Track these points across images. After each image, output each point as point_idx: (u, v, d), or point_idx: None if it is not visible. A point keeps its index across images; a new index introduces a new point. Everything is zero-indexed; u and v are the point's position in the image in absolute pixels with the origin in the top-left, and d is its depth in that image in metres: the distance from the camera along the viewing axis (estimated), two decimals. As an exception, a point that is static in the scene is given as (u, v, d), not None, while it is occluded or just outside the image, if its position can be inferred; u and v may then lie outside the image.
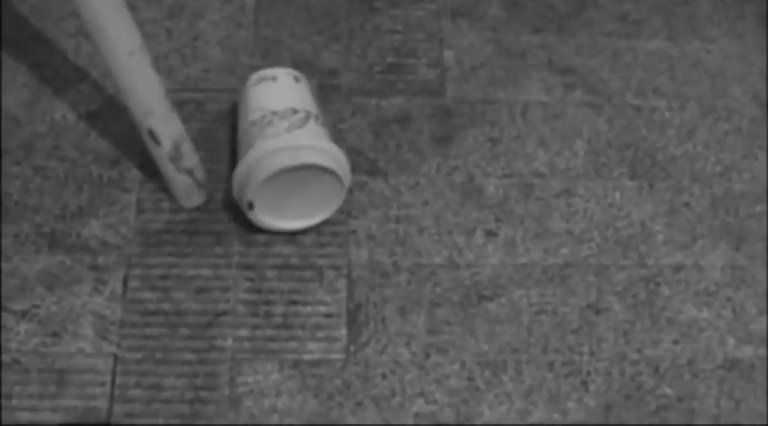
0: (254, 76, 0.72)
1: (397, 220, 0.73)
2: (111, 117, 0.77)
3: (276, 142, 0.66)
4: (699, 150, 0.80)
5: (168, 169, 0.69)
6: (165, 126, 0.66)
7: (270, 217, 0.70)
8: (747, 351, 0.71)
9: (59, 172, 0.74)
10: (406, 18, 0.84)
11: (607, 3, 0.87)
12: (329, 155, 0.67)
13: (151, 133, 0.66)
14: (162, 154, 0.68)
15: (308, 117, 0.69)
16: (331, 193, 0.69)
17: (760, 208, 0.77)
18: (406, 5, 0.85)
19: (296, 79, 0.72)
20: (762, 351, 0.71)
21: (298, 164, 0.65)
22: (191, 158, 0.69)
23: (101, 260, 0.70)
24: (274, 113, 0.68)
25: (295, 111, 0.69)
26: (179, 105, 0.76)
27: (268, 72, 0.72)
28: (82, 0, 0.58)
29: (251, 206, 0.68)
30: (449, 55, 0.82)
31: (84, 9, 0.59)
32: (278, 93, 0.70)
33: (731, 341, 0.71)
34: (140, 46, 0.62)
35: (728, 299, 0.73)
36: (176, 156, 0.68)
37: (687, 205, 0.77)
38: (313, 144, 0.66)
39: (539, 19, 0.85)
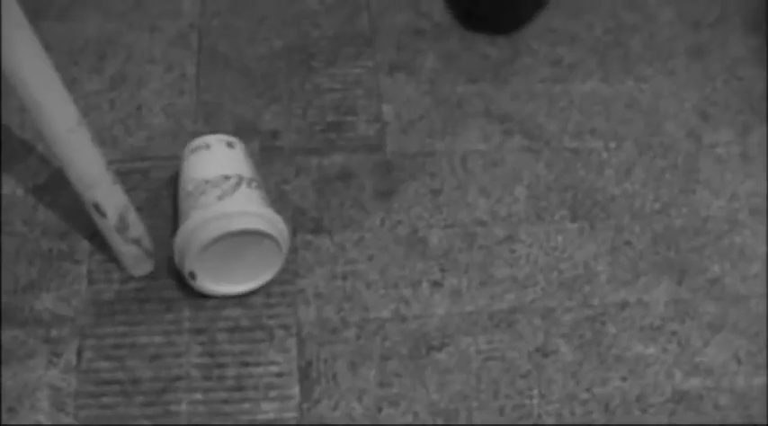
0: (189, 147, 0.76)
1: (344, 277, 0.77)
2: (58, 190, 0.80)
3: (208, 212, 0.69)
4: (637, 188, 0.84)
5: (115, 240, 0.72)
6: (109, 198, 0.70)
7: (213, 284, 0.73)
8: (695, 383, 0.75)
9: (9, 247, 0.77)
10: (344, 76, 0.88)
11: (541, 48, 0.92)
12: (262, 218, 0.70)
13: (96, 206, 0.69)
14: (108, 225, 0.71)
15: (239, 182, 0.72)
16: (271, 255, 0.73)
17: (700, 241, 0.81)
18: (344, 63, 0.89)
19: (229, 145, 0.76)
20: (709, 382, 0.75)
21: (228, 231, 0.69)
22: (137, 228, 0.73)
23: (54, 332, 0.73)
24: (207, 182, 0.72)
25: (227, 178, 0.72)
26: (124, 175, 0.80)
27: (201, 141, 0.76)
28: (19, 78, 0.62)
29: (192, 275, 0.71)
30: (387, 109, 0.86)
31: (22, 87, 0.62)
32: (210, 162, 0.74)
33: (678, 375, 0.75)
34: (78, 122, 0.65)
35: (674, 333, 0.77)
36: (122, 227, 0.71)
37: (628, 243, 0.81)
38: (245, 209, 0.70)
39: (474, 68, 0.90)
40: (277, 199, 0.80)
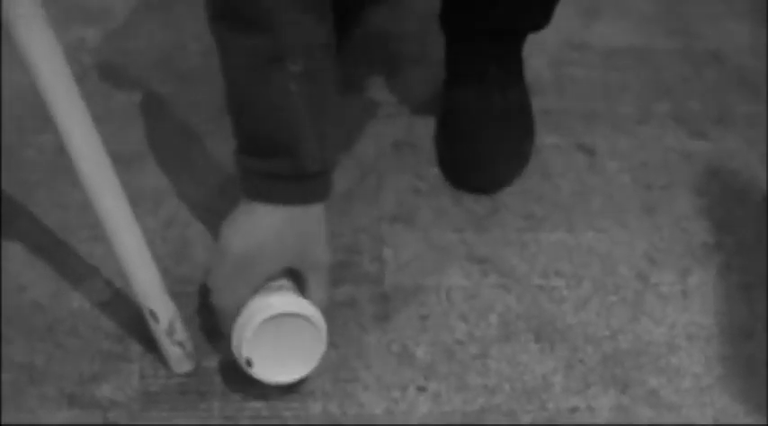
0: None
1: (346, 380, 1.01)
2: (118, 306, 1.06)
3: (264, 300, 0.93)
4: (591, 318, 1.08)
5: (164, 342, 0.97)
6: (162, 308, 0.95)
7: (267, 371, 0.95)
8: (635, 478, 0.97)
9: (76, 346, 1.02)
10: (354, 224, 1.15)
11: (516, 205, 1.19)
12: (312, 308, 0.93)
13: (152, 313, 0.95)
14: (160, 329, 0.96)
15: (295, 289, 0.97)
16: (313, 347, 0.95)
17: (642, 360, 1.05)
18: (355, 214, 1.16)
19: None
20: (647, 478, 0.97)
21: (281, 312, 0.91)
22: (182, 333, 0.98)
23: (110, 415, 0.97)
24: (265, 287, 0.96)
25: (282, 285, 0.97)
26: (173, 295, 1.05)
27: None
28: (107, 224, 0.89)
29: (249, 362, 0.94)
30: (387, 252, 1.12)
31: (105, 224, 0.89)
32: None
33: (620, 469, 0.97)
34: (143, 248, 0.92)
35: (617, 435, 0.99)
36: (171, 331, 0.97)
37: (581, 361, 1.04)
38: (299, 300, 0.94)
39: (460, 221, 1.16)
40: (294, 319, 1.06)
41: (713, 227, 1.18)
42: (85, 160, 0.86)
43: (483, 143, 1.20)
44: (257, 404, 0.99)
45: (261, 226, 0.93)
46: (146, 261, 0.93)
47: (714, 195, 1.22)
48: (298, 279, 0.97)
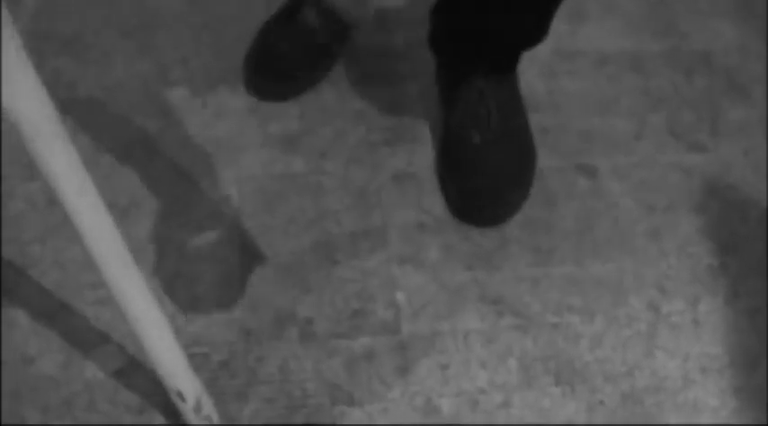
0: None
1: (373, 440, 1.03)
2: (135, 374, 1.05)
3: None
4: (608, 354, 1.11)
5: (191, 418, 0.97)
6: (189, 387, 0.95)
7: None
8: None
9: (96, 420, 1.02)
10: (363, 268, 1.15)
11: (523, 237, 1.20)
12: None
13: (179, 393, 0.95)
14: (187, 408, 0.96)
15: None
16: None
17: (660, 397, 1.08)
18: (362, 257, 1.16)
19: None
20: None
21: None
22: (208, 407, 0.98)
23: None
24: None
25: None
26: (189, 357, 1.05)
27: None
28: (128, 311, 0.88)
29: None
30: (401, 296, 1.13)
31: (120, 302, 0.88)
32: None
33: None
34: (167, 329, 0.91)
35: (642, 476, 1.03)
36: (198, 408, 0.97)
37: (602, 402, 1.07)
38: None
39: (470, 257, 1.17)
40: (314, 378, 1.06)
41: (717, 249, 1.21)
42: (92, 235, 0.82)
43: (486, 176, 1.20)
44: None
45: None
46: (171, 345, 0.93)
47: (714, 213, 1.24)
48: None
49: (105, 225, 0.82)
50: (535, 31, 1.19)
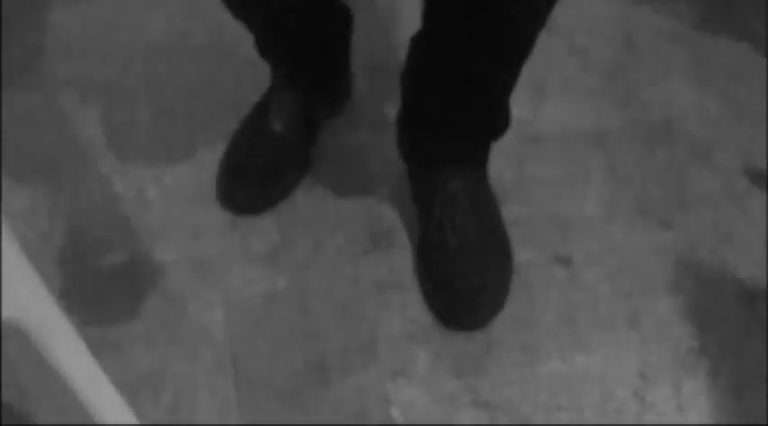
0: None
1: None
2: None
3: None
4: (599, 451, 1.16)
5: None
6: None
7: None
8: None
9: None
10: (356, 385, 1.19)
11: (507, 337, 1.24)
12: None
13: None
14: None
15: None
16: None
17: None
18: (355, 373, 1.20)
19: None
20: None
21: None
22: None
23: None
24: None
25: None
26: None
27: None
28: None
29: None
30: (396, 412, 1.17)
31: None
32: None
33: None
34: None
35: None
36: None
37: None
38: None
39: (458, 364, 1.21)
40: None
41: (695, 330, 1.26)
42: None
43: (465, 281, 1.24)
44: None
45: None
46: None
47: (689, 292, 1.29)
48: None
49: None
50: (500, 122, 1.23)
